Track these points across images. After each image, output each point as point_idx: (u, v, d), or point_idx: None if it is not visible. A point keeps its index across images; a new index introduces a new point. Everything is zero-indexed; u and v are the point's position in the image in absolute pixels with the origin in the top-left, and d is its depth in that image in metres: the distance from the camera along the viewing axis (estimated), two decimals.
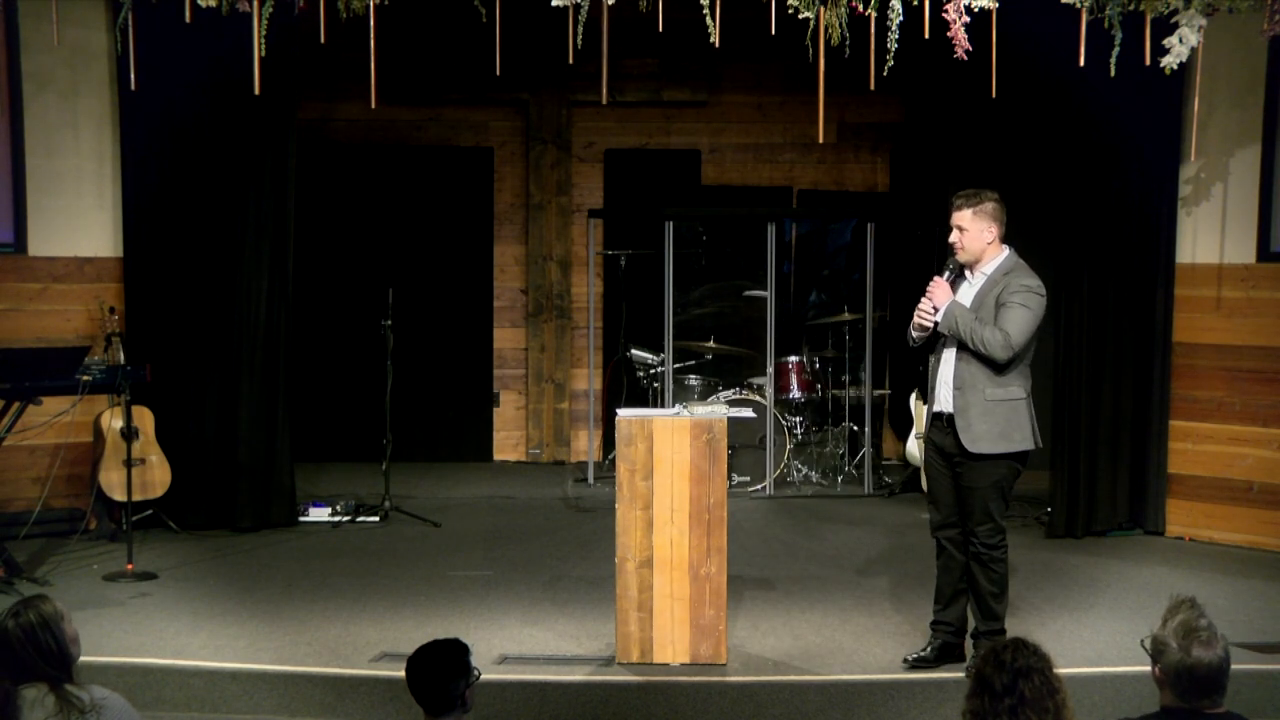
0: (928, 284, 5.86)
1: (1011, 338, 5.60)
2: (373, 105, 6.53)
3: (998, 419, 5.67)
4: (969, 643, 5.94)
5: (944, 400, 5.79)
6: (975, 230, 5.74)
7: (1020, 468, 5.81)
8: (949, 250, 5.87)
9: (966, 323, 5.64)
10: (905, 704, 5.68)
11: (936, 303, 5.75)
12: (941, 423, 5.83)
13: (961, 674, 5.63)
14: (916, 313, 5.84)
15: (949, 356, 5.78)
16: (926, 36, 5.97)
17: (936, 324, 5.73)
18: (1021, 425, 5.71)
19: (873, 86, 6.10)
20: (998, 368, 5.64)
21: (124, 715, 3.95)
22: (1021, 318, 5.63)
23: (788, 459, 9.86)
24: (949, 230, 5.82)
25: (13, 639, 3.84)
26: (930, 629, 6.01)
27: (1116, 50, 6.27)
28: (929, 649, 5.93)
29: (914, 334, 5.92)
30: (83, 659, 4.12)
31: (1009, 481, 5.80)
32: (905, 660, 5.92)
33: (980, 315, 5.69)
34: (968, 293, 5.83)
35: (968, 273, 5.86)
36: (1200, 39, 6.24)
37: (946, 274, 5.87)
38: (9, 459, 7.99)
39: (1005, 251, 5.80)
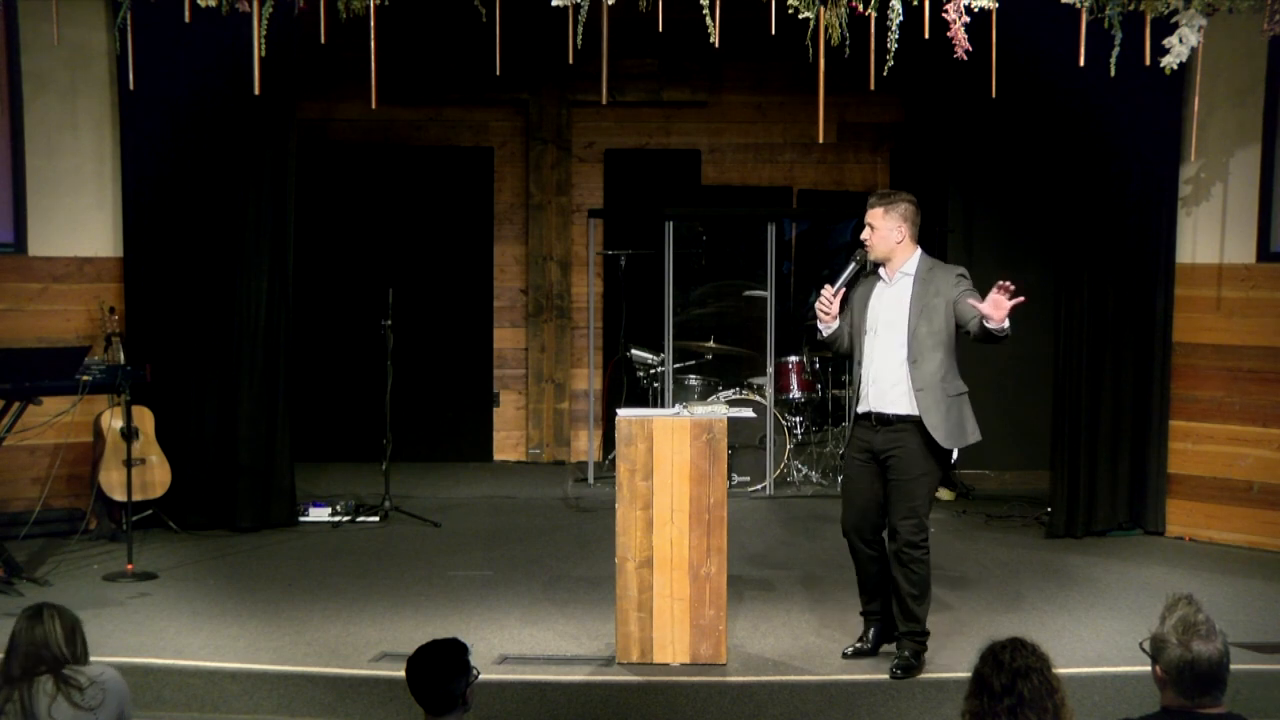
0: (825, 286, 5.90)
1: None
2: (373, 105, 6.54)
3: (954, 415, 5.80)
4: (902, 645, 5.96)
5: (892, 401, 5.80)
6: (884, 229, 5.85)
7: (944, 467, 5.98)
8: (859, 245, 5.93)
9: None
10: (905, 704, 5.68)
11: (1000, 320, 5.57)
12: (870, 422, 5.85)
13: (961, 674, 5.63)
14: (819, 304, 5.88)
15: (890, 357, 5.81)
16: (926, 36, 5.98)
17: (1003, 335, 5.60)
18: (970, 418, 5.87)
19: (873, 86, 6.11)
20: (947, 367, 5.75)
21: (119, 686, 4.05)
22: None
23: (788, 459, 9.86)
24: (864, 229, 5.92)
25: (50, 634, 3.95)
26: (862, 618, 6.09)
27: (1116, 50, 6.28)
28: (867, 639, 6.03)
29: (823, 331, 5.96)
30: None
31: (936, 479, 5.91)
32: (844, 654, 6.01)
33: (927, 314, 5.76)
34: (884, 292, 5.87)
35: (883, 272, 5.89)
36: (1200, 39, 6.25)
37: (852, 267, 5.91)
38: (9, 459, 7.99)
39: (918, 251, 5.89)
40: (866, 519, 5.93)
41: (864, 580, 6.05)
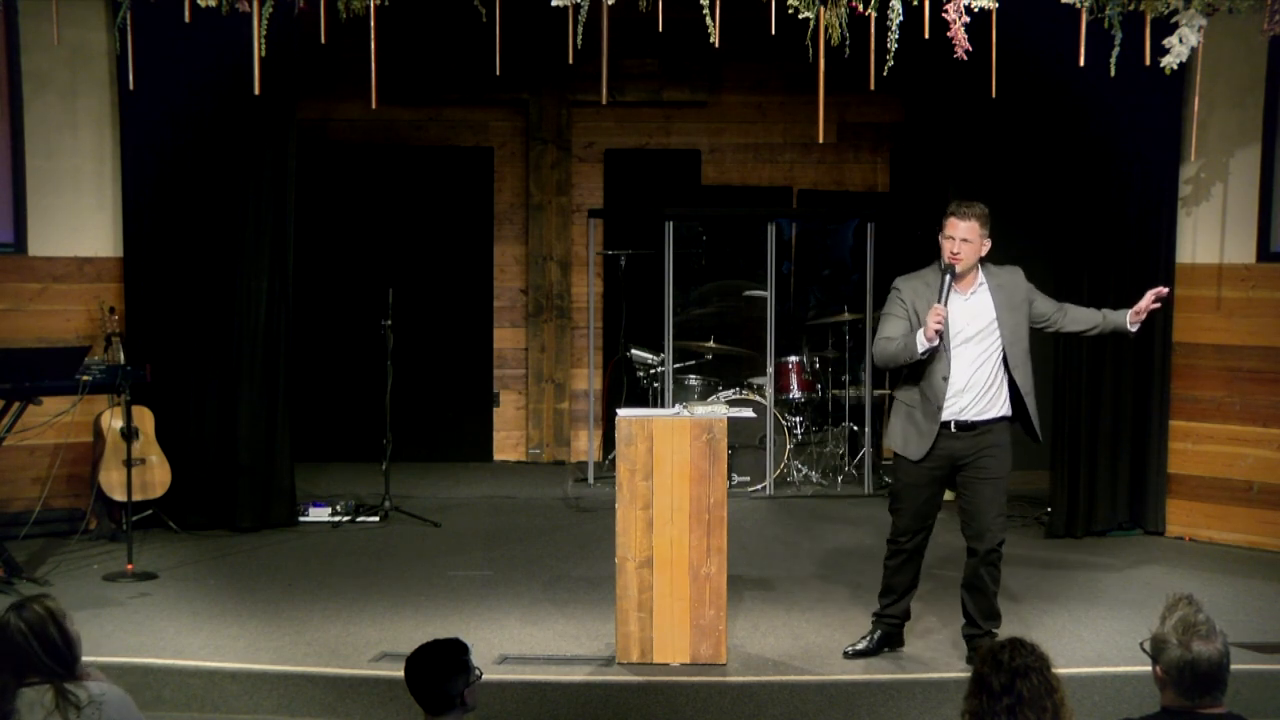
0: (933, 305, 5.73)
1: None
2: (373, 105, 6.54)
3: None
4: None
5: (986, 407, 5.81)
6: (978, 242, 5.83)
7: None
8: (945, 265, 5.78)
9: None
10: (905, 704, 5.69)
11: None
12: (950, 429, 5.80)
13: (961, 674, 5.63)
14: (933, 324, 5.66)
15: (986, 364, 5.80)
16: (926, 36, 5.98)
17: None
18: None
19: (873, 86, 6.11)
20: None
21: (123, 708, 3.93)
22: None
23: (788, 459, 9.86)
24: (948, 240, 5.79)
25: (17, 633, 3.82)
26: (874, 620, 6.11)
27: (1116, 50, 6.29)
28: (871, 639, 6.06)
29: (920, 349, 5.74)
30: (83, 659, 4.06)
31: None
32: (845, 654, 6.03)
33: (1016, 319, 5.85)
34: (961, 301, 5.80)
35: (955, 284, 5.82)
36: (1200, 39, 6.25)
37: (947, 280, 5.76)
38: (9, 459, 7.99)
39: None
40: (930, 530, 6.01)
41: (895, 585, 6.05)
